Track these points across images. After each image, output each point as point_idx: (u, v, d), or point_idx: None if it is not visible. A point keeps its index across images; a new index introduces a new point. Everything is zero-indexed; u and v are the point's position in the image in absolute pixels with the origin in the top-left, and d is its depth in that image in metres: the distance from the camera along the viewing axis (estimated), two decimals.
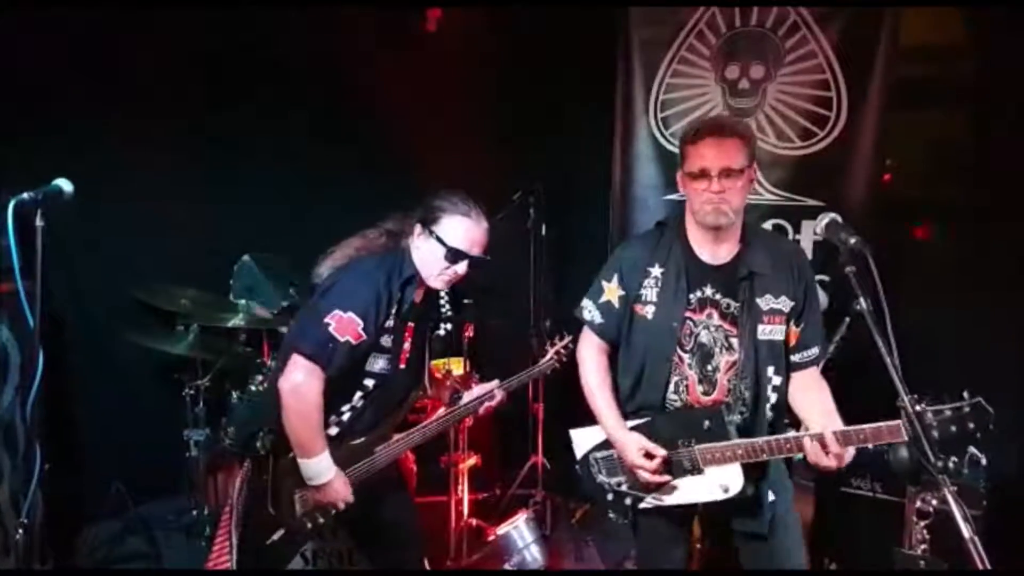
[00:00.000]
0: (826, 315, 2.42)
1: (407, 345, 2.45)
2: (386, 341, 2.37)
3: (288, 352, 2.29)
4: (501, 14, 4.10)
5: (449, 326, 3.92)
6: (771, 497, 2.19)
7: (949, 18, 3.40)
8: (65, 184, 2.31)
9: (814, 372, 2.22)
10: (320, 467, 2.28)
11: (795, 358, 2.20)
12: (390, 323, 2.35)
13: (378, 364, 2.38)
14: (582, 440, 2.41)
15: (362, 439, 2.44)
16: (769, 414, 2.18)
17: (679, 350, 2.19)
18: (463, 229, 2.36)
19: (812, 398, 2.18)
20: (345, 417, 2.41)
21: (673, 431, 2.17)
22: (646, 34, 3.86)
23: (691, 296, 2.17)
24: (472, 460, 3.65)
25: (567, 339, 2.94)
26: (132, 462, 3.71)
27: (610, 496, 2.32)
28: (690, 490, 2.17)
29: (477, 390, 2.71)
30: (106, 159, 3.64)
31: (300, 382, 2.23)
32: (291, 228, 4.05)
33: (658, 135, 3.90)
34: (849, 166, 3.53)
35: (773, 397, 2.17)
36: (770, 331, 2.14)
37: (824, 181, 3.60)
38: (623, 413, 2.28)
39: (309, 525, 2.40)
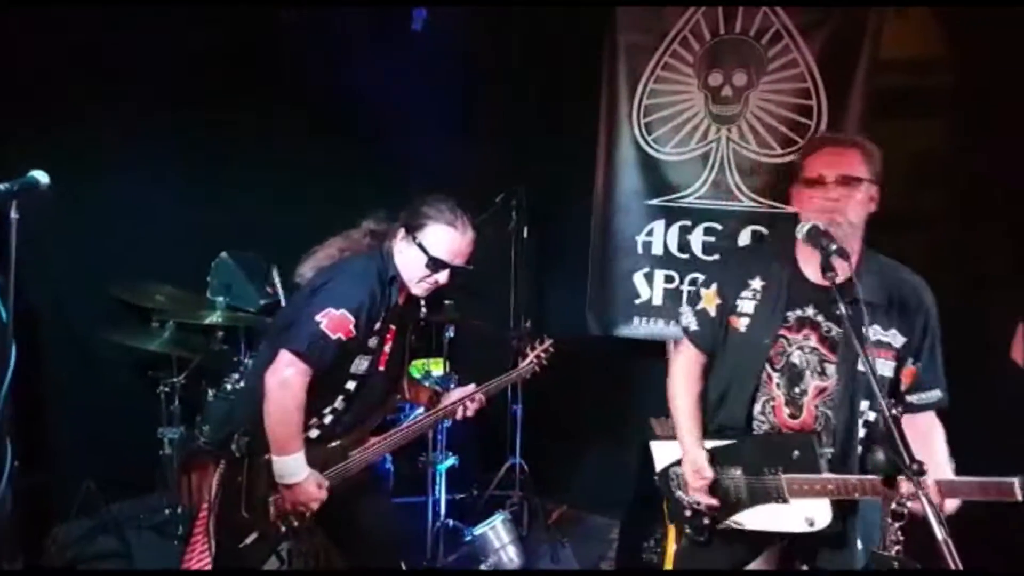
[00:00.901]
0: None
1: (387, 348, 2.44)
2: (372, 342, 2.36)
3: (275, 349, 2.26)
4: (487, 15, 4.11)
5: (423, 323, 3.91)
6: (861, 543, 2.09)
7: (930, 29, 3.45)
8: (41, 176, 2.27)
9: (930, 417, 2.10)
10: (294, 466, 2.26)
11: (911, 399, 2.08)
12: (377, 324, 2.34)
13: (362, 366, 2.37)
14: (662, 454, 2.35)
15: (338, 442, 2.43)
16: (860, 450, 2.06)
17: (769, 368, 2.10)
18: (447, 239, 2.34)
19: (923, 444, 1.97)
20: (327, 420, 2.40)
21: (761, 456, 2.09)
22: (631, 39, 3.87)
23: (789, 314, 2.07)
24: (450, 461, 3.65)
25: (547, 343, 2.94)
26: (105, 460, 3.64)
27: (688, 512, 2.26)
28: (773, 518, 2.08)
29: (455, 394, 2.70)
30: (84, 152, 3.59)
31: (288, 378, 2.21)
32: (271, 226, 4.03)
33: (641, 140, 3.92)
34: None
35: (863, 432, 2.05)
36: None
37: None
38: (706, 428, 2.21)
39: (284, 528, 2.38)
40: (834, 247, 1.88)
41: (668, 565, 3.06)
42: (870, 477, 1.90)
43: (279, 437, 2.25)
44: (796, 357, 2.08)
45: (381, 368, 2.44)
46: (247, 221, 4.04)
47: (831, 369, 2.04)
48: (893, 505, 1.82)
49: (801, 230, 1.99)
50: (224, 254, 3.90)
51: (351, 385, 2.38)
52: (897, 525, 1.82)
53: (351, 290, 2.27)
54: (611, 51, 3.92)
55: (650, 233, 3.96)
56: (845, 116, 3.51)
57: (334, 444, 2.42)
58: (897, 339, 2.03)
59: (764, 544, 2.23)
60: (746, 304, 2.14)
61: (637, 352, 4.08)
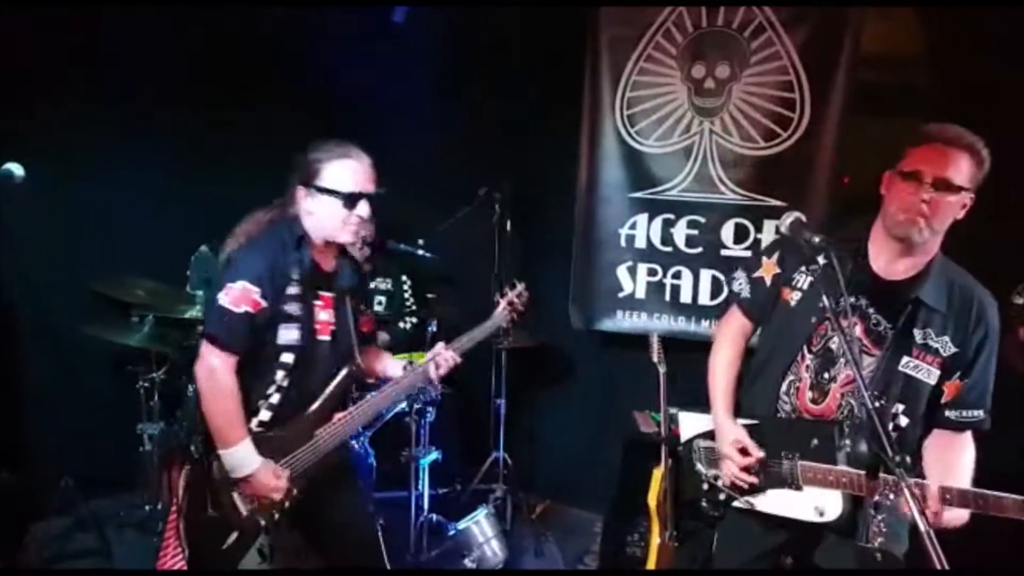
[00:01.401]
0: None
1: (325, 316, 2.35)
2: (293, 309, 2.27)
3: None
4: (470, 11, 4.08)
5: (414, 320, 3.90)
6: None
7: (910, 25, 3.47)
8: (16, 168, 2.24)
9: (966, 437, 2.02)
10: (242, 456, 2.20)
11: (951, 414, 2.01)
12: (294, 290, 2.26)
13: (291, 336, 2.27)
14: (690, 425, 2.33)
15: (299, 423, 2.33)
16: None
17: (804, 348, 2.07)
18: (349, 170, 2.27)
19: (947, 460, 1.97)
20: (273, 399, 2.29)
21: (779, 440, 2.07)
22: (614, 33, 3.87)
23: (841, 299, 1.97)
24: (433, 455, 3.63)
25: (519, 287, 2.81)
26: (83, 456, 3.60)
27: (705, 486, 2.24)
28: (785, 503, 2.07)
29: (427, 355, 2.56)
30: (62, 145, 3.55)
31: (212, 365, 2.19)
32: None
33: (624, 133, 3.92)
34: (811, 167, 3.58)
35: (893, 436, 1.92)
36: (914, 367, 1.96)
37: (786, 181, 3.65)
38: (739, 400, 2.18)
39: (263, 523, 2.32)
40: (816, 239, 1.88)
41: (651, 559, 3.07)
42: (883, 477, 1.84)
43: (219, 428, 2.20)
44: (835, 343, 2.04)
45: (324, 337, 2.35)
46: (225, 213, 3.98)
47: (868, 361, 1.99)
48: (876, 498, 1.82)
49: (784, 222, 1.98)
50: (204, 247, 3.84)
51: (288, 358, 2.28)
52: (880, 518, 1.83)
53: (249, 261, 2.22)
54: (594, 44, 3.91)
55: (633, 226, 3.97)
56: (827, 109, 3.52)
57: (295, 425, 2.32)
58: (947, 348, 1.96)
59: (775, 532, 2.19)
60: (803, 279, 2.09)
61: (620, 345, 4.09)
